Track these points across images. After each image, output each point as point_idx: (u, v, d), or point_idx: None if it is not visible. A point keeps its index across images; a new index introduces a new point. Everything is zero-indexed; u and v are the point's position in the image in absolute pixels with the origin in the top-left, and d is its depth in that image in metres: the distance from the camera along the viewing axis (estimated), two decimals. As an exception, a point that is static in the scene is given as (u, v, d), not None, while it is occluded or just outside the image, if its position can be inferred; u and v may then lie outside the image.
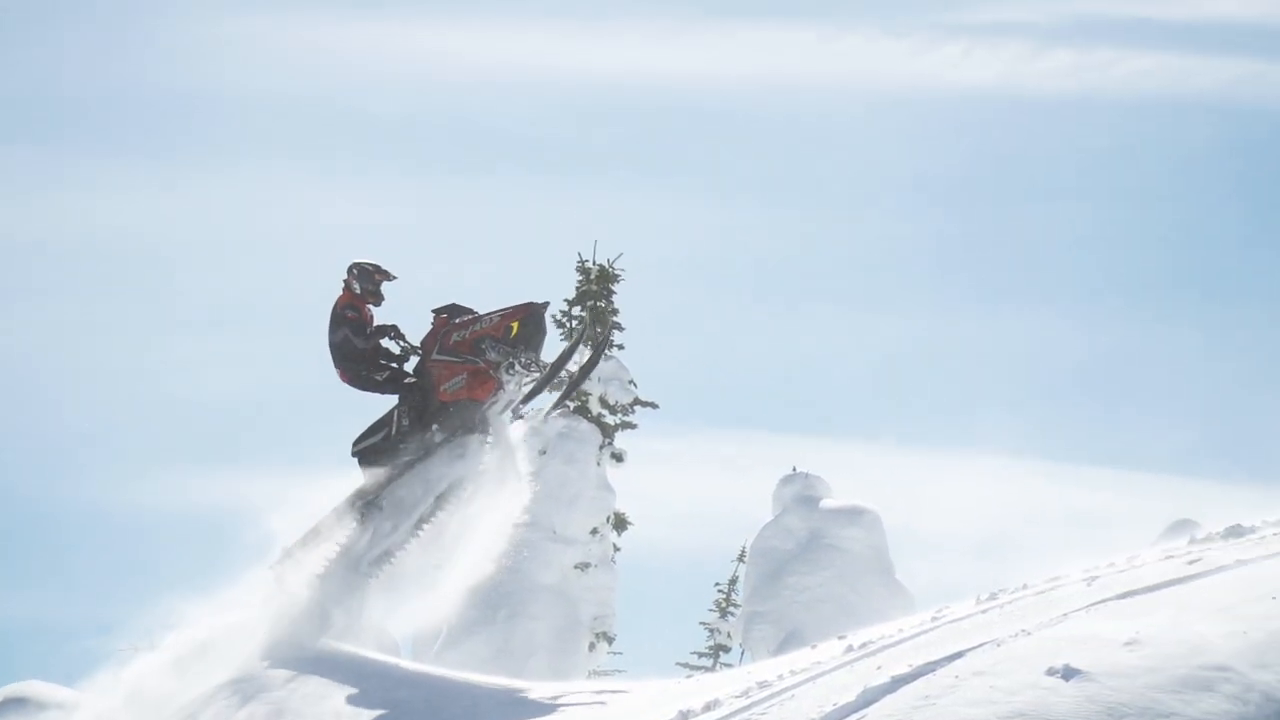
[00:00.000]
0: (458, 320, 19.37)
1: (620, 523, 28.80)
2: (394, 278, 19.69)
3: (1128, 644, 11.07)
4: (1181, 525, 18.77)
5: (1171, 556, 13.77)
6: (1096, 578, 13.57)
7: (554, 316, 21.77)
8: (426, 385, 19.43)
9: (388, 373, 19.55)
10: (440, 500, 19.51)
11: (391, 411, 19.64)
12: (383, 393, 19.77)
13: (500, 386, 19.35)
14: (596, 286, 29.17)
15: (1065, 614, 12.31)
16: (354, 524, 19.60)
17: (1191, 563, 13.18)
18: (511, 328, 19.24)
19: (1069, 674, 10.76)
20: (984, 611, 13.54)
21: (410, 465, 19.44)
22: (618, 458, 29.81)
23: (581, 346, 20.87)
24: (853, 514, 27.29)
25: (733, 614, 31.20)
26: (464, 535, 19.56)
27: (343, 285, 19.65)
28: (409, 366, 19.59)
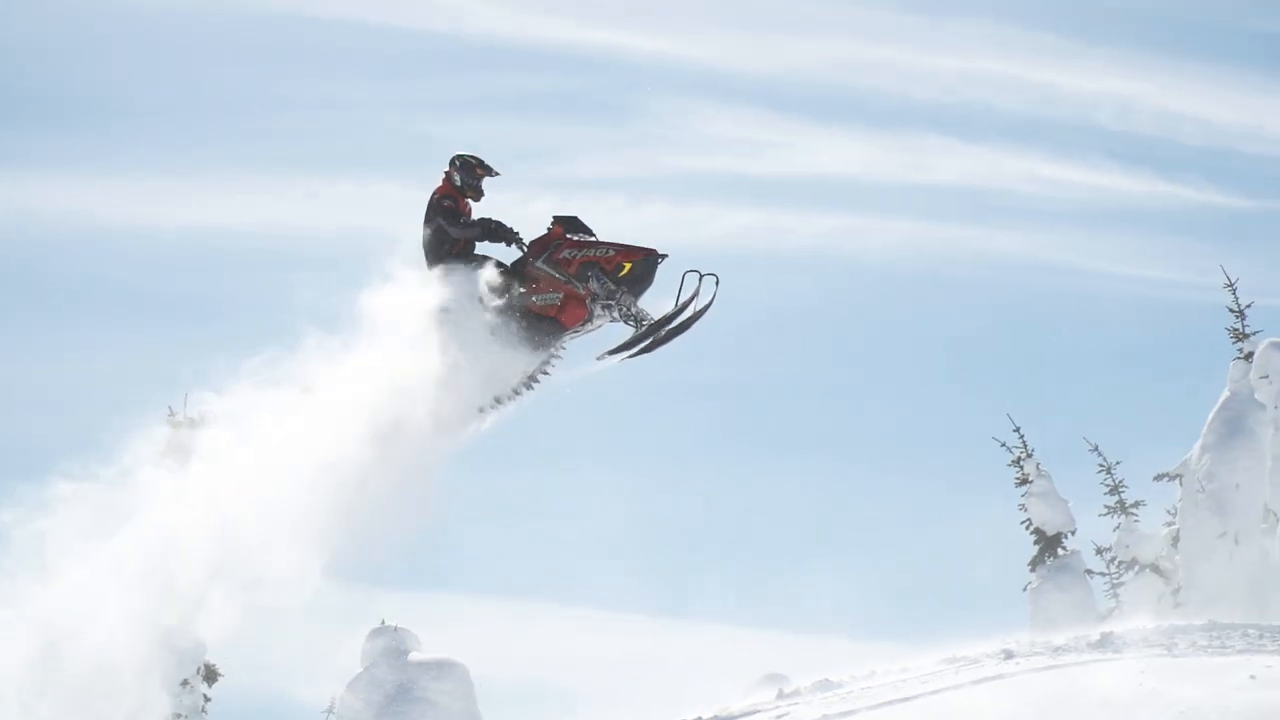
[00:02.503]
0: (573, 237, 18.76)
1: (211, 674, 27.83)
2: (497, 174, 19.25)
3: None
4: (772, 678, 18.55)
5: (759, 710, 14.03)
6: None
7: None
8: (516, 284, 18.89)
9: (472, 264, 18.94)
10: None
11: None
12: None
13: (589, 318, 18.89)
14: None
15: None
16: None
17: (779, 717, 13.34)
18: (624, 266, 18.64)
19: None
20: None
21: None
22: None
23: (686, 313, 19.33)
24: (442, 667, 26.93)
25: (324, 765, 30.93)
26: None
27: (443, 176, 19.16)
28: (510, 262, 19.08)
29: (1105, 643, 15.41)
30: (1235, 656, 14.56)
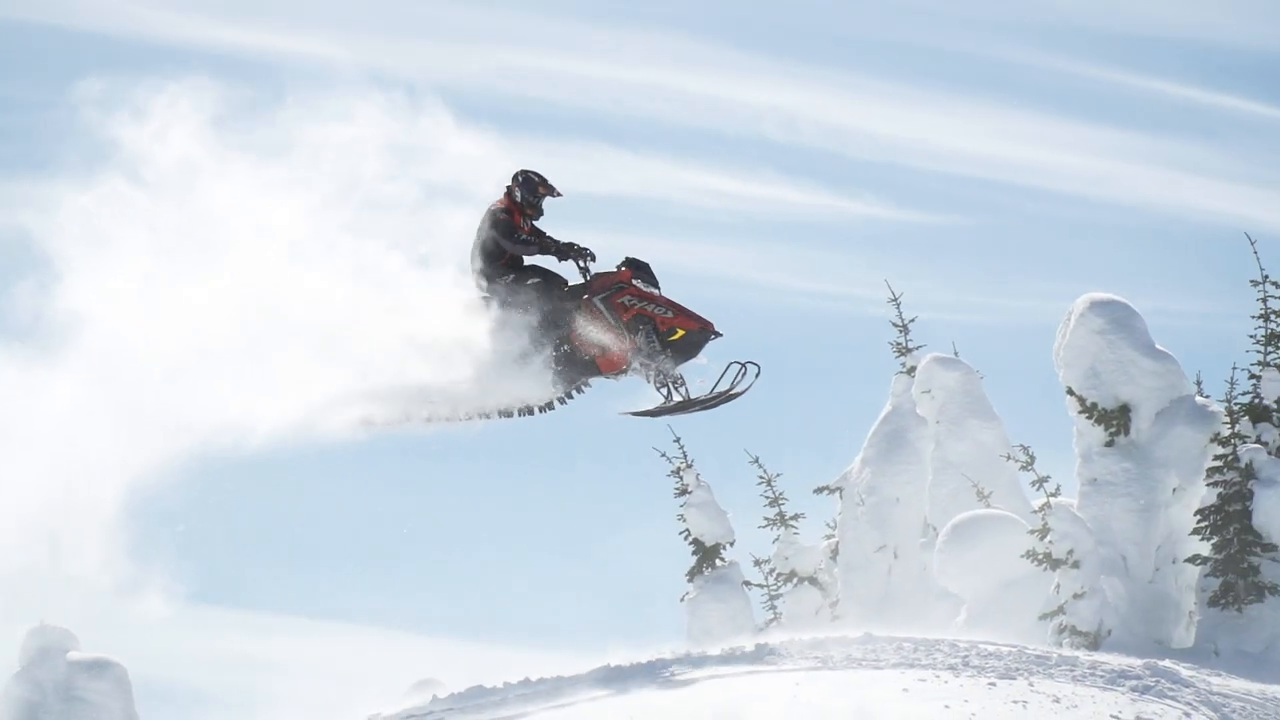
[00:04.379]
0: (638, 284, 18.39)
1: None
2: (559, 194, 18.96)
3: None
4: (426, 684, 18.57)
5: (413, 715, 13.91)
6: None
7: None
8: (566, 311, 18.62)
9: (517, 277, 18.70)
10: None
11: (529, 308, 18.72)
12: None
13: (624, 370, 18.62)
14: None
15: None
16: None
17: None
18: (677, 330, 18.33)
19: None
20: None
21: None
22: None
23: (718, 395, 18.96)
24: (99, 666, 26.67)
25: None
26: None
27: (504, 191, 18.84)
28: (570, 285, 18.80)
29: (760, 654, 15.33)
30: (889, 670, 14.62)
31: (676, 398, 18.59)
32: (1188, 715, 14.05)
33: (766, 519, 29.18)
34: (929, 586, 26.30)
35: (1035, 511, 26.04)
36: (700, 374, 18.97)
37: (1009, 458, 27.89)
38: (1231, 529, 25.09)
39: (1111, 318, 27.05)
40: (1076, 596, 24.18)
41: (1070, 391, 27.16)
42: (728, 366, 18.52)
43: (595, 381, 18.82)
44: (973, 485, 28.38)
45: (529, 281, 18.72)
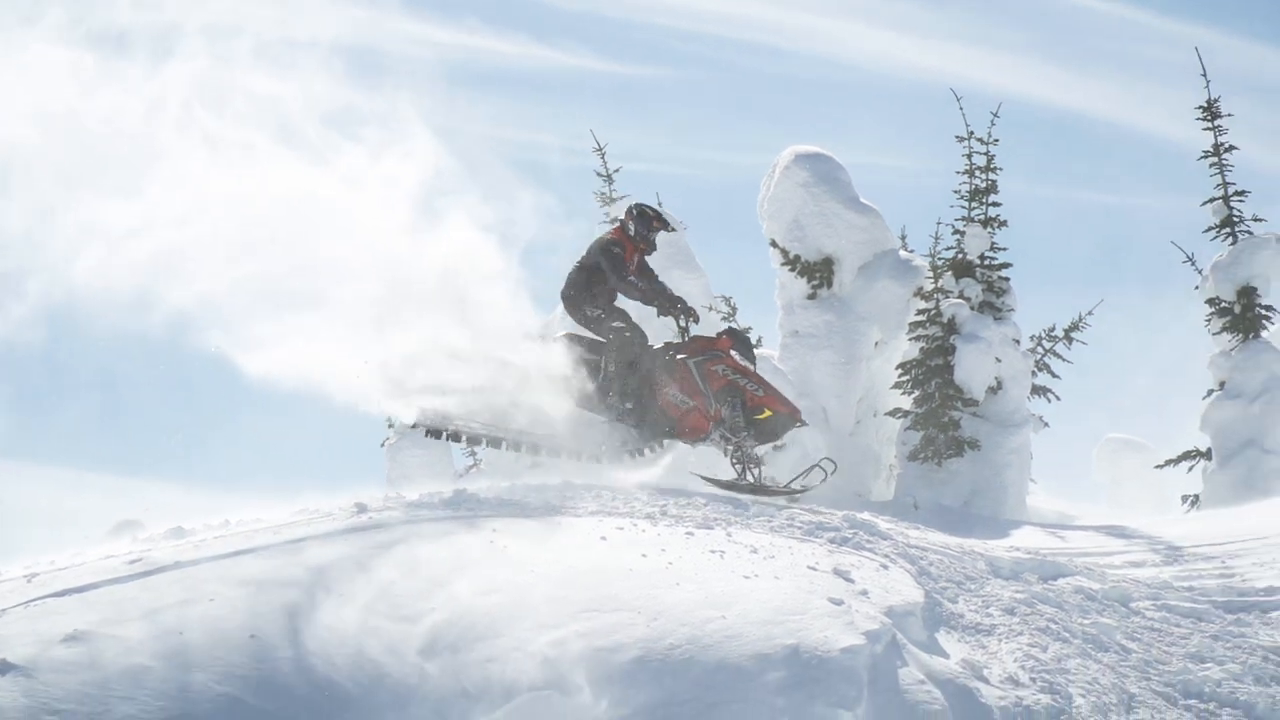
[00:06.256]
0: (733, 354, 18.23)
1: None
2: (673, 229, 19.00)
3: (65, 640, 10.76)
4: (126, 525, 18.57)
5: (113, 556, 13.63)
6: (36, 575, 13.08)
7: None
8: (653, 364, 18.61)
9: (604, 314, 18.75)
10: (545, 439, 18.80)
11: (608, 353, 18.71)
12: (591, 331, 18.95)
13: (703, 438, 18.58)
14: None
15: (3, 610, 11.70)
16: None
17: (132, 562, 12.87)
18: (764, 410, 18.09)
19: (5, 669, 10.38)
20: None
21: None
22: None
23: (791, 489, 18.72)
24: None
25: None
26: None
27: (617, 222, 19.13)
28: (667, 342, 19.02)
29: (458, 500, 15.10)
30: (587, 518, 14.50)
31: (750, 478, 18.36)
32: (885, 567, 14.07)
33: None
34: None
35: (737, 363, 26.06)
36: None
37: (711, 309, 27.97)
38: (933, 383, 25.38)
39: (816, 171, 27.13)
40: (777, 448, 24.30)
41: (774, 244, 27.26)
42: (821, 462, 18.67)
43: (669, 444, 18.90)
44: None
45: (614, 324, 18.60)
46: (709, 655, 10.97)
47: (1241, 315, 26.42)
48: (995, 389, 25.57)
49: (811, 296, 27.08)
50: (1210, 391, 26.40)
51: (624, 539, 13.51)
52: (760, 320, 29.23)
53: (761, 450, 19.31)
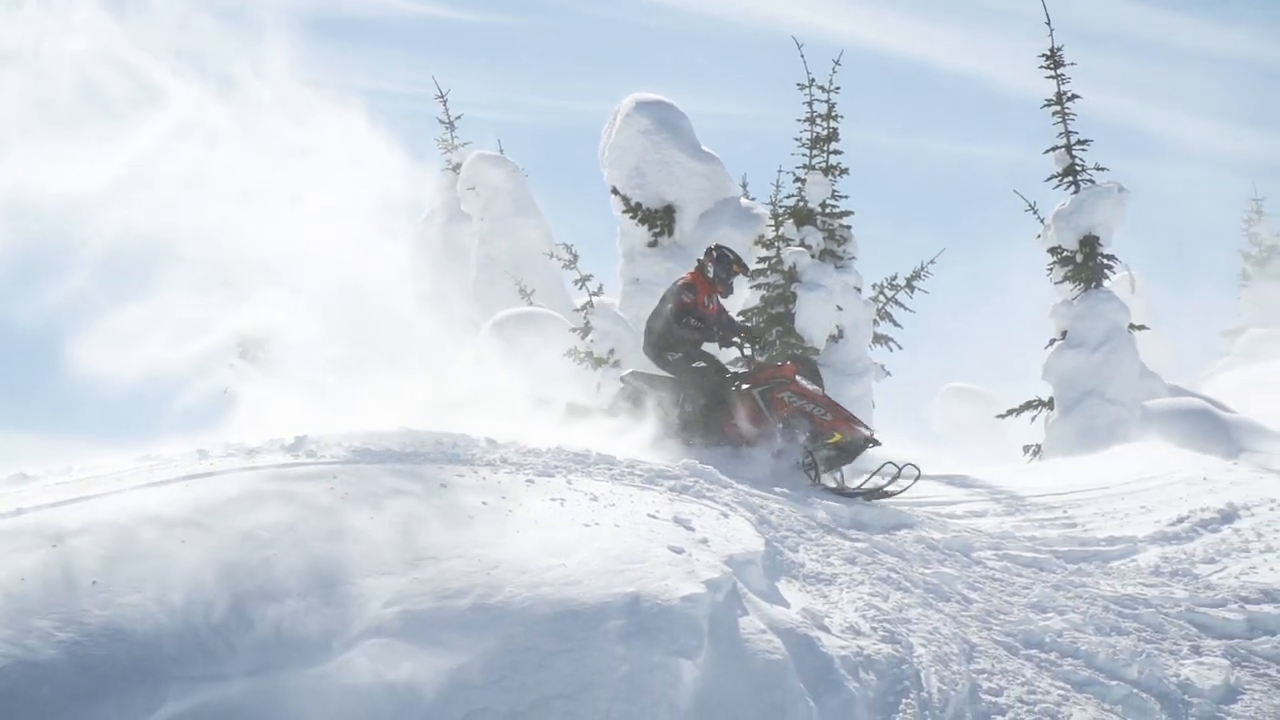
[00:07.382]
0: (799, 380, 17.88)
1: None
2: (750, 274, 19.53)
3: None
4: None
5: None
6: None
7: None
8: (724, 398, 18.41)
9: (684, 356, 18.57)
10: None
11: (688, 388, 18.58)
12: (666, 371, 18.77)
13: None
14: None
15: None
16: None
17: None
18: (834, 434, 17.80)
19: None
20: None
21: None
22: None
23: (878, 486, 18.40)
24: None
25: None
26: None
27: (696, 263, 18.86)
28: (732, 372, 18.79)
29: (299, 446, 14.97)
30: (428, 465, 14.42)
31: (830, 485, 18.35)
32: (725, 516, 14.09)
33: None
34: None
35: (578, 310, 26.08)
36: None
37: (553, 256, 27.87)
38: (774, 331, 25.46)
39: (657, 118, 27.12)
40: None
41: (615, 191, 27.25)
42: (898, 468, 18.25)
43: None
44: (516, 283, 28.33)
45: (694, 364, 18.50)
46: (549, 603, 10.93)
47: (1083, 264, 26.71)
48: (836, 337, 25.71)
49: (653, 244, 27.10)
50: (1052, 341, 26.70)
51: (464, 485, 13.44)
52: (601, 268, 29.16)
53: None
